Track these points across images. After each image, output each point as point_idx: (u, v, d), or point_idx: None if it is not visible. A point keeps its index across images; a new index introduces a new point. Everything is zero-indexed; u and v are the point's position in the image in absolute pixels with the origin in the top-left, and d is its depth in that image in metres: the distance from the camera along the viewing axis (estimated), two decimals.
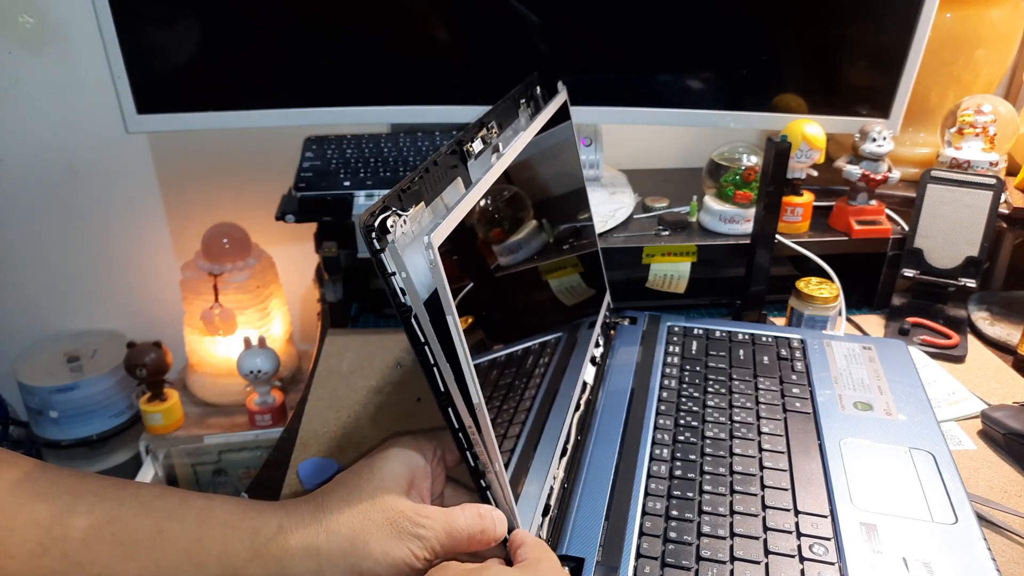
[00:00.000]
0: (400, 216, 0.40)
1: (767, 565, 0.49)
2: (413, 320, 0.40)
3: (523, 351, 0.54)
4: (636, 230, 0.88)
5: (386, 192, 0.40)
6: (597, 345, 0.72)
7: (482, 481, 0.45)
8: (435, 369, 0.42)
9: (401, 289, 0.40)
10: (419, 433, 0.50)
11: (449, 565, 0.42)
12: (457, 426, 0.43)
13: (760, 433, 0.62)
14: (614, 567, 0.49)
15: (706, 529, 0.52)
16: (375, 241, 0.38)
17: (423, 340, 0.41)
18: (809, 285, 0.80)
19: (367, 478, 0.45)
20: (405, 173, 0.88)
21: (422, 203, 0.43)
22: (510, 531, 0.46)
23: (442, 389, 0.42)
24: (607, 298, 0.78)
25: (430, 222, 0.42)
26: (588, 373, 0.68)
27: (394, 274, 0.39)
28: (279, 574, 0.41)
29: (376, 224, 0.38)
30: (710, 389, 0.68)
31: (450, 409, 0.43)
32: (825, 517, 0.53)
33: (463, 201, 0.44)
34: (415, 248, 0.39)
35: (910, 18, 0.84)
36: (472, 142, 0.51)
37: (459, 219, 0.43)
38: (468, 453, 0.44)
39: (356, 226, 0.84)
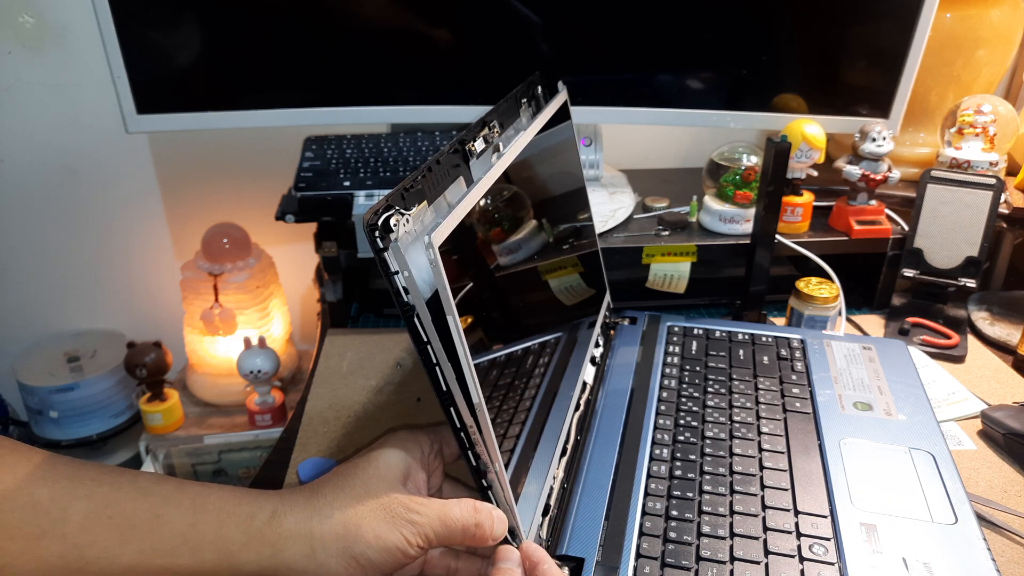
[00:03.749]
0: (403, 215, 0.40)
1: (767, 565, 0.49)
2: (416, 319, 0.40)
3: (523, 351, 0.54)
4: (636, 230, 0.89)
5: (388, 191, 0.40)
6: (597, 345, 0.72)
7: (483, 481, 0.45)
8: (437, 368, 0.42)
9: (404, 288, 0.40)
10: (417, 427, 0.50)
11: None
12: (459, 425, 0.43)
13: (760, 433, 0.62)
14: (614, 567, 0.49)
15: (706, 529, 0.52)
16: (378, 240, 0.38)
17: (425, 339, 0.41)
18: (809, 285, 0.80)
19: (363, 468, 0.46)
20: (405, 173, 0.88)
21: (425, 202, 0.43)
22: (511, 533, 0.46)
23: (444, 388, 0.42)
24: (607, 298, 0.78)
25: (432, 221, 0.42)
26: (588, 373, 0.68)
27: (397, 273, 0.39)
28: (273, 558, 0.42)
29: (379, 223, 0.38)
30: (710, 389, 0.68)
31: (452, 408, 0.43)
32: (825, 517, 0.53)
33: (463, 201, 0.44)
34: (417, 247, 0.39)
35: (910, 18, 0.84)
36: (474, 141, 0.51)
37: (460, 219, 0.43)
38: (470, 452, 0.44)
39: (356, 226, 0.84)
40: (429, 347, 0.41)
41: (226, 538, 0.42)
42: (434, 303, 0.40)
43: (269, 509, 0.43)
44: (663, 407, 0.65)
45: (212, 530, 0.41)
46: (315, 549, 0.42)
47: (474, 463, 0.45)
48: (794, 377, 0.69)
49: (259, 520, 0.42)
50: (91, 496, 0.41)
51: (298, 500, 0.44)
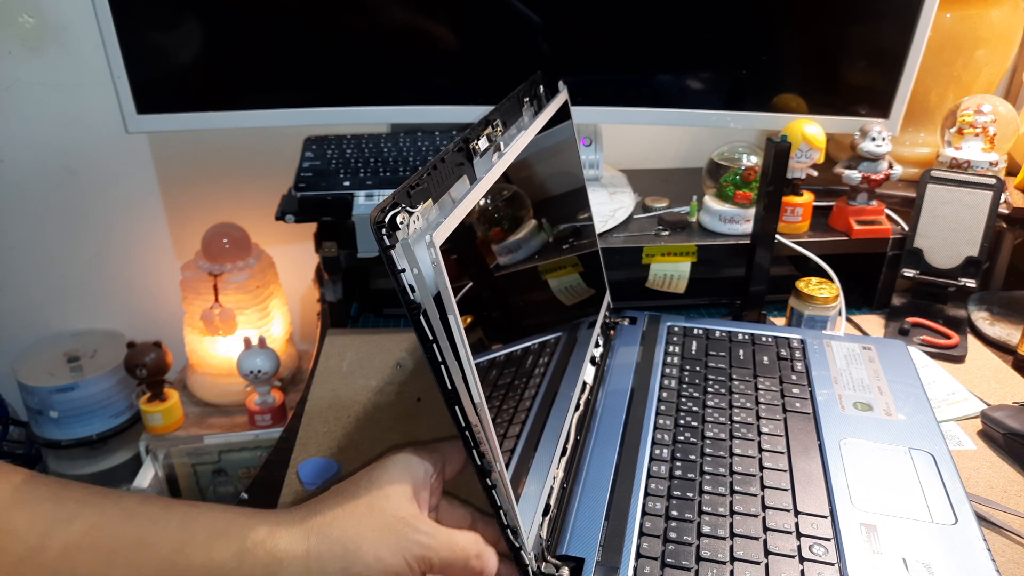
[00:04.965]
0: (410, 213, 0.40)
1: (767, 566, 0.49)
2: (422, 317, 0.40)
3: (523, 351, 0.54)
4: (636, 230, 0.89)
5: (390, 191, 0.40)
6: (597, 345, 0.72)
7: (488, 480, 0.45)
8: (442, 367, 0.42)
9: (411, 286, 0.39)
10: (419, 445, 0.49)
11: None
12: (464, 425, 0.43)
13: (760, 433, 0.62)
14: (614, 567, 0.49)
15: (706, 529, 0.52)
16: (385, 238, 0.38)
17: (432, 337, 0.41)
18: (809, 285, 0.80)
19: (365, 486, 0.44)
20: (405, 173, 0.88)
21: (430, 200, 0.43)
22: (513, 533, 0.46)
23: (449, 387, 0.42)
24: (607, 298, 0.78)
25: (435, 219, 0.42)
26: (588, 373, 0.68)
27: (404, 271, 0.39)
28: None
29: (386, 220, 0.38)
30: (710, 389, 0.68)
31: (457, 407, 0.43)
32: (825, 517, 0.53)
33: (464, 200, 0.44)
34: (420, 246, 0.39)
35: (910, 18, 0.84)
36: (478, 140, 0.51)
37: (461, 218, 0.43)
38: (474, 452, 0.44)
39: (356, 226, 0.84)
40: (435, 345, 0.41)
41: (217, 561, 0.40)
42: (436, 302, 0.40)
43: (264, 529, 0.41)
44: (663, 407, 0.65)
45: (201, 552, 0.40)
46: (311, 569, 0.40)
47: (479, 462, 0.45)
48: (794, 377, 0.69)
49: (252, 540, 0.40)
50: (73, 520, 0.39)
51: (294, 519, 0.42)
